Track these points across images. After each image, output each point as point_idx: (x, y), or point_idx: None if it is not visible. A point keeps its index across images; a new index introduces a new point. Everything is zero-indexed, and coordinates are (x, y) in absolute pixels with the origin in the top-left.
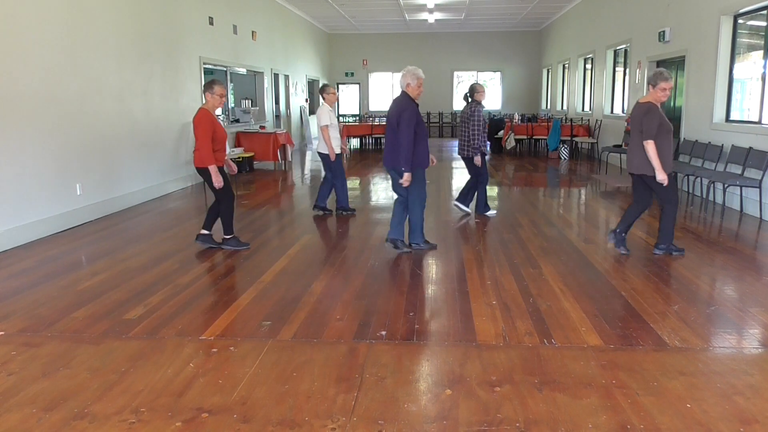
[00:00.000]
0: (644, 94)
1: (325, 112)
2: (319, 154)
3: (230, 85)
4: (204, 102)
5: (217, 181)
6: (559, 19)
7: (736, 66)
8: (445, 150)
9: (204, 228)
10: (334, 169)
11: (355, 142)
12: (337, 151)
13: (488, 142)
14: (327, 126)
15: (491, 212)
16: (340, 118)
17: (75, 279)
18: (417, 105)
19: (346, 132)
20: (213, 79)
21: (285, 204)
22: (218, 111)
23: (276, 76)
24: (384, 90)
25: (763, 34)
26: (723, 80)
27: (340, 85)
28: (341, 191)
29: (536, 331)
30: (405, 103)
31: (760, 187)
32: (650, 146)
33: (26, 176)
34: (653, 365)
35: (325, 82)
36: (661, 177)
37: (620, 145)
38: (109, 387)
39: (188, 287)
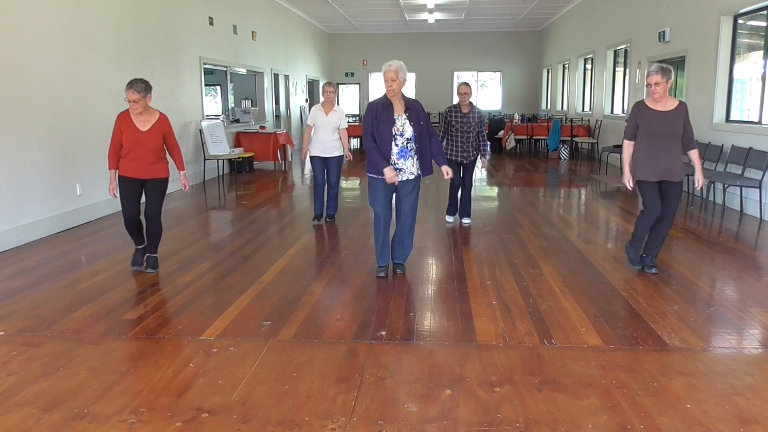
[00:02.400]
0: (644, 93)
1: (311, 111)
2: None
3: (230, 85)
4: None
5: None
6: (559, 19)
7: (736, 66)
8: None
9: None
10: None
11: (355, 142)
12: (315, 153)
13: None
14: (309, 126)
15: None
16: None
17: (75, 279)
18: (389, 104)
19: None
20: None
21: (285, 204)
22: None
23: (276, 76)
24: (384, 90)
25: (763, 34)
26: (723, 80)
27: (340, 85)
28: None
29: (536, 331)
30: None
31: (760, 188)
32: (624, 146)
33: (26, 176)
34: (653, 365)
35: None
36: (624, 180)
37: (620, 146)
38: (109, 387)
39: (188, 287)
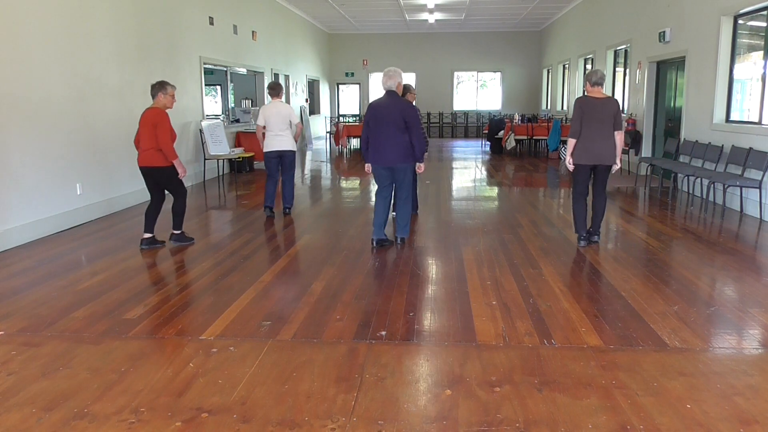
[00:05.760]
0: (644, 93)
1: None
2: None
3: (230, 85)
4: (155, 101)
5: (183, 170)
6: (559, 19)
7: (737, 66)
8: (445, 149)
9: (149, 231)
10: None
11: (355, 142)
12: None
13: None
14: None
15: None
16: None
17: (75, 279)
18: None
19: (347, 132)
20: (163, 80)
21: None
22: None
23: (276, 76)
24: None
25: (764, 34)
26: (723, 81)
27: (340, 85)
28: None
29: (536, 331)
30: (406, 103)
31: (760, 188)
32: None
33: (26, 176)
34: (653, 366)
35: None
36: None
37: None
38: (108, 387)
39: (188, 287)
